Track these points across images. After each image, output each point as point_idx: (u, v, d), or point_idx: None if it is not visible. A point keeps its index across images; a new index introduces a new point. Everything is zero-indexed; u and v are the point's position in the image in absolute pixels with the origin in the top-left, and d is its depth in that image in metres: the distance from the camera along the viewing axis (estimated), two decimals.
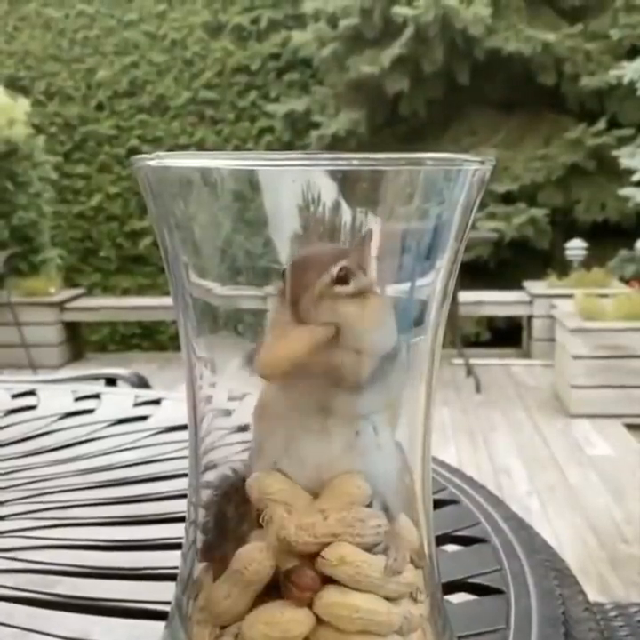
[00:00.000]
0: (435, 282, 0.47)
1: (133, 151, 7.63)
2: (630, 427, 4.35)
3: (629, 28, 6.91)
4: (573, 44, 6.99)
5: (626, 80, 6.11)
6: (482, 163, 0.45)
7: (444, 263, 0.47)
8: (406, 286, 0.47)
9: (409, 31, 6.94)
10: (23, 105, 6.42)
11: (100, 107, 7.73)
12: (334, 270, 0.45)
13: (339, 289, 0.44)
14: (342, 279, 0.45)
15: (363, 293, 0.45)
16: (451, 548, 0.68)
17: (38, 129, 7.05)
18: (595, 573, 2.77)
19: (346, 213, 0.44)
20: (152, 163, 0.45)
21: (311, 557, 0.44)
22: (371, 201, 0.43)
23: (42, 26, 7.74)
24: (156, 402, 1.11)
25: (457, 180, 0.45)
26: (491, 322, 6.71)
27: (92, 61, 7.71)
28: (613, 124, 6.93)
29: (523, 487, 3.56)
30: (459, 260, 0.48)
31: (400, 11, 6.88)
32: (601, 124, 6.88)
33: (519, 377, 5.55)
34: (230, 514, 0.46)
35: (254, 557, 0.44)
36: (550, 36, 6.91)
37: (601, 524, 3.16)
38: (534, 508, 3.33)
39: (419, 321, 0.48)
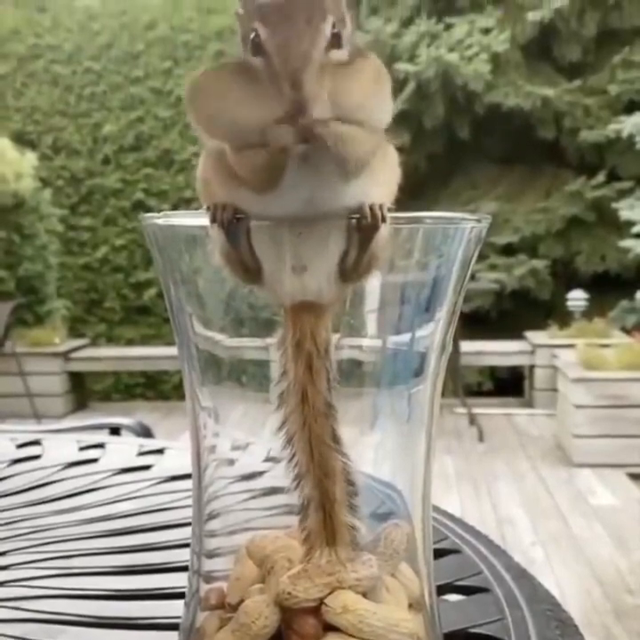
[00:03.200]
0: (434, 333, 0.48)
1: (139, 204, 7.71)
2: (633, 476, 4.32)
3: (627, 83, 7.02)
4: (572, 98, 7.10)
5: (625, 134, 6.20)
6: (478, 221, 0.47)
7: (443, 315, 0.48)
8: (406, 337, 0.48)
9: (410, 87, 7.06)
10: (30, 159, 6.51)
11: (106, 161, 7.83)
12: (327, 29, 0.40)
13: (335, 56, 0.40)
14: (335, 39, 0.40)
15: (357, 57, 0.41)
16: (452, 597, 0.68)
17: (45, 182, 7.13)
18: (599, 624, 2.73)
19: None
20: (159, 221, 0.47)
21: (313, 610, 0.44)
22: None
23: (49, 82, 7.87)
24: (160, 451, 1.12)
25: (454, 238, 0.47)
26: (493, 371, 6.71)
27: (98, 116, 7.83)
28: (613, 176, 7.01)
29: (527, 537, 3.53)
30: (457, 312, 0.50)
31: (402, 66, 7.01)
32: (600, 177, 6.96)
33: (522, 426, 5.53)
34: None
35: (262, 612, 0.44)
36: (549, 92, 7.02)
37: (605, 574, 3.13)
38: (539, 558, 3.29)
39: (418, 371, 0.49)
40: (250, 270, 0.43)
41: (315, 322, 0.44)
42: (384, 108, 0.42)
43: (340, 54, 0.40)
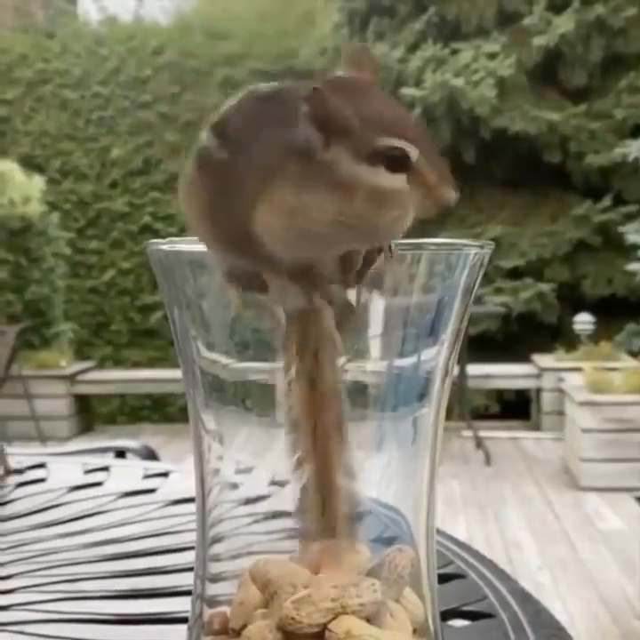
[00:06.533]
0: (438, 357, 0.49)
1: (146, 228, 7.75)
2: None
3: (633, 107, 7.05)
4: (578, 123, 7.13)
5: (631, 158, 6.22)
6: (481, 247, 0.47)
7: (447, 339, 0.49)
8: (410, 361, 0.48)
9: (416, 111, 7.10)
10: (38, 182, 6.55)
11: (113, 184, 7.88)
12: None
13: None
14: None
15: None
16: (457, 622, 0.68)
17: (53, 206, 7.17)
18: None
19: None
20: (165, 247, 0.47)
21: (316, 635, 0.44)
22: None
23: (58, 106, 7.95)
24: (164, 474, 1.11)
25: (458, 264, 0.47)
26: (500, 394, 6.69)
27: (106, 140, 7.89)
28: (619, 200, 7.02)
29: (534, 562, 3.51)
30: (461, 337, 0.50)
31: (408, 91, 7.05)
32: (606, 201, 6.97)
33: (529, 450, 5.51)
34: None
35: (265, 637, 0.44)
36: (555, 116, 7.04)
37: (613, 598, 3.10)
38: (546, 583, 3.27)
39: (422, 395, 0.49)
40: (255, 284, 0.43)
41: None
42: None
43: None
